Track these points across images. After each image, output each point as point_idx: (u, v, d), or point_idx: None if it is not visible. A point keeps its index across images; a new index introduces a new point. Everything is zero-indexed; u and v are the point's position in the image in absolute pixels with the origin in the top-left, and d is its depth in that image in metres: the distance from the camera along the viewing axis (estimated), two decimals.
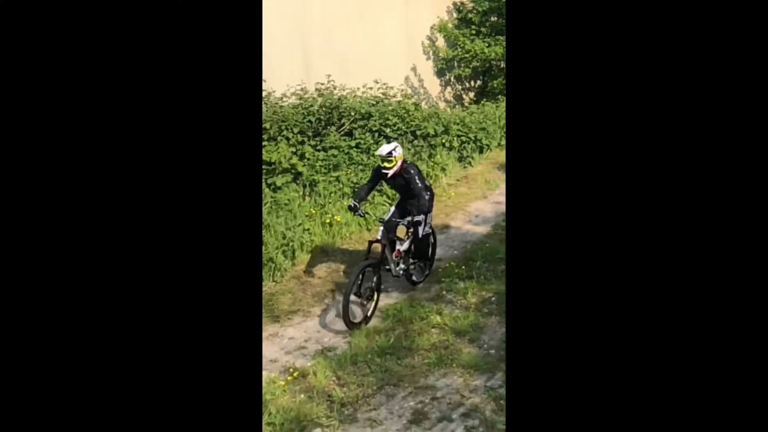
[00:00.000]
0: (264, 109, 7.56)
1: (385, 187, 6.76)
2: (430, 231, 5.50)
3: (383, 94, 8.55)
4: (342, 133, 7.80)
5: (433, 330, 4.85)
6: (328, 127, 7.76)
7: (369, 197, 6.12)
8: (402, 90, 9.08)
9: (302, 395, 4.17)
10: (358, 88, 8.41)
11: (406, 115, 8.21)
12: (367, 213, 5.70)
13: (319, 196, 6.91)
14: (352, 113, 7.93)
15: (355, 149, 7.59)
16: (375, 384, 4.25)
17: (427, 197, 5.23)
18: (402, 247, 5.32)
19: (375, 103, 8.26)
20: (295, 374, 4.36)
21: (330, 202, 6.84)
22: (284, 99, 7.93)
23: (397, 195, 5.75)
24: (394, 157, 5.08)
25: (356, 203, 5.30)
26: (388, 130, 7.90)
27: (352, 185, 7.09)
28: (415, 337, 4.76)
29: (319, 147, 7.54)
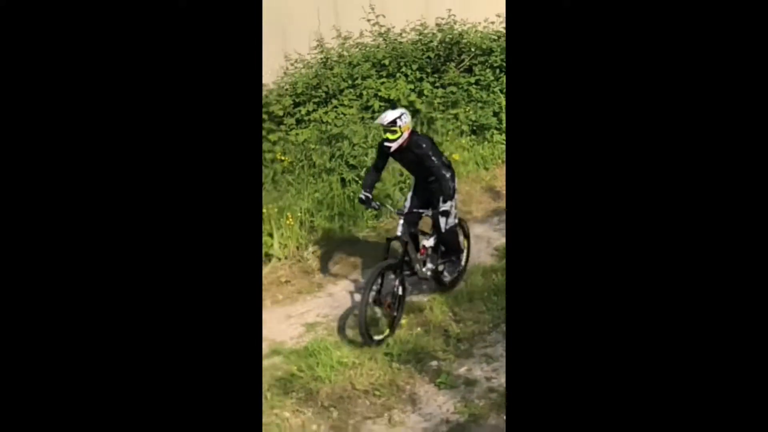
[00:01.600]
0: (383, 45, 7.54)
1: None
2: (456, 222, 4.52)
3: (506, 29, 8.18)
4: (461, 69, 7.61)
5: None
6: (447, 64, 7.59)
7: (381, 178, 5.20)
8: None
9: (419, 329, 4.27)
10: (480, 23, 8.10)
11: None
12: (382, 205, 4.78)
13: (437, 133, 6.84)
14: (473, 49, 7.67)
15: (474, 86, 7.39)
16: (491, 322, 4.26)
17: (448, 177, 4.27)
18: (428, 242, 4.49)
19: (497, 38, 7.93)
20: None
21: (447, 140, 6.77)
22: (403, 35, 7.82)
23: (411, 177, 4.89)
24: (399, 127, 4.12)
25: (367, 194, 4.38)
26: None
27: (470, 123, 6.96)
28: None
29: (437, 84, 7.40)
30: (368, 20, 7.41)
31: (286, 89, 7.14)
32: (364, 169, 6.11)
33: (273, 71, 7.13)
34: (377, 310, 4.17)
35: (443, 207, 4.25)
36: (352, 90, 7.08)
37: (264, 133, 6.35)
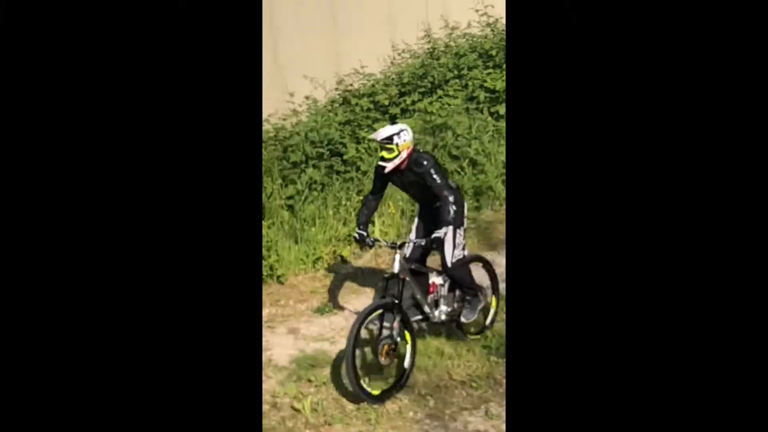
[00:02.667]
0: (491, 35, 7.53)
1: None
2: (464, 254, 3.85)
3: None
4: None
5: None
6: None
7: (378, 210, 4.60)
8: None
9: None
10: None
11: None
12: (378, 240, 4.04)
13: None
14: None
15: None
16: None
17: (451, 200, 3.55)
18: (438, 279, 3.85)
19: None
20: None
21: None
22: None
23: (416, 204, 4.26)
24: (396, 145, 3.56)
25: (361, 232, 3.83)
26: None
27: None
28: None
29: None
30: (476, 10, 7.38)
31: (393, 79, 7.24)
32: (466, 160, 6.17)
33: (380, 61, 7.30)
34: (381, 358, 3.56)
35: (436, 233, 3.56)
36: (457, 80, 7.09)
37: (369, 122, 6.49)
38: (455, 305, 3.91)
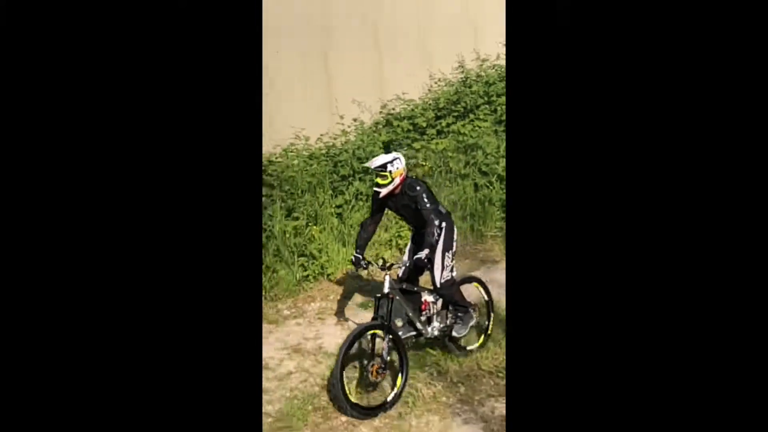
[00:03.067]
0: None
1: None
2: (452, 276, 3.92)
3: None
4: None
5: None
6: None
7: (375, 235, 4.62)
8: None
9: None
10: None
11: None
12: (371, 263, 4.07)
13: None
14: None
15: None
16: None
17: (436, 224, 3.75)
18: (429, 297, 4.02)
19: None
20: None
21: None
22: None
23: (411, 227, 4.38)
24: (390, 172, 3.76)
25: (358, 255, 3.97)
26: None
27: None
28: None
29: None
30: (503, 44, 7.94)
31: (430, 104, 7.74)
32: (495, 176, 6.63)
33: (419, 88, 7.82)
34: (371, 377, 3.68)
35: (419, 255, 3.71)
36: (487, 106, 7.56)
37: (409, 141, 7.03)
38: (447, 321, 4.07)
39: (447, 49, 8.04)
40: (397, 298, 3.79)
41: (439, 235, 3.83)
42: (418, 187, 3.82)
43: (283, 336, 4.79)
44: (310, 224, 5.85)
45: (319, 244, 5.69)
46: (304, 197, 5.95)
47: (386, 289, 3.73)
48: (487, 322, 4.28)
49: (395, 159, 3.85)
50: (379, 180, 3.82)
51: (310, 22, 7.01)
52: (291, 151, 6.38)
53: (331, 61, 7.29)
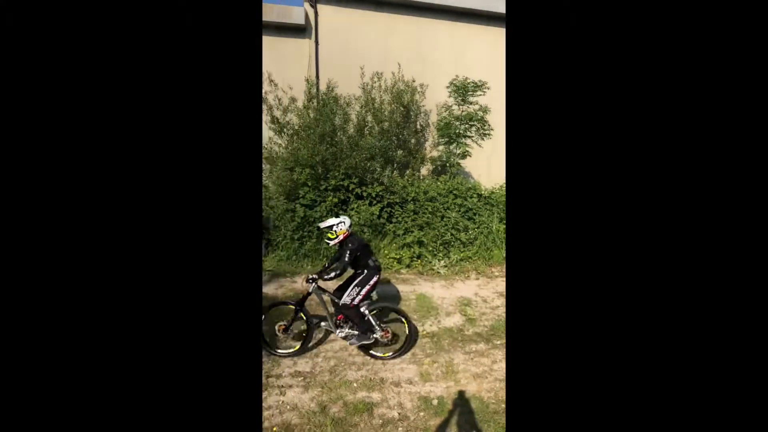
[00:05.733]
0: None
1: None
2: (350, 302, 5.25)
3: None
4: None
5: None
6: None
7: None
8: None
9: None
10: None
11: None
12: (314, 277, 5.37)
13: None
14: None
15: None
16: None
17: (334, 267, 5.08)
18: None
19: None
20: None
21: None
22: None
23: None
24: (334, 231, 5.26)
25: (313, 275, 5.28)
26: None
27: None
28: None
29: None
30: None
31: None
32: None
33: None
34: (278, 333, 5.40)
35: (312, 275, 5.24)
36: None
37: None
38: (348, 331, 5.42)
39: None
40: (322, 296, 5.39)
41: (359, 276, 5.25)
42: (350, 244, 5.17)
43: None
44: None
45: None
46: None
47: (310, 291, 5.28)
48: (403, 345, 5.51)
49: (340, 222, 5.31)
50: (329, 235, 5.31)
51: None
52: None
53: None
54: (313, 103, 9.39)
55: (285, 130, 9.31)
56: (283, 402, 4.42)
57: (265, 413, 4.28)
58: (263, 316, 5.24)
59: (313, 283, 5.23)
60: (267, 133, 9.42)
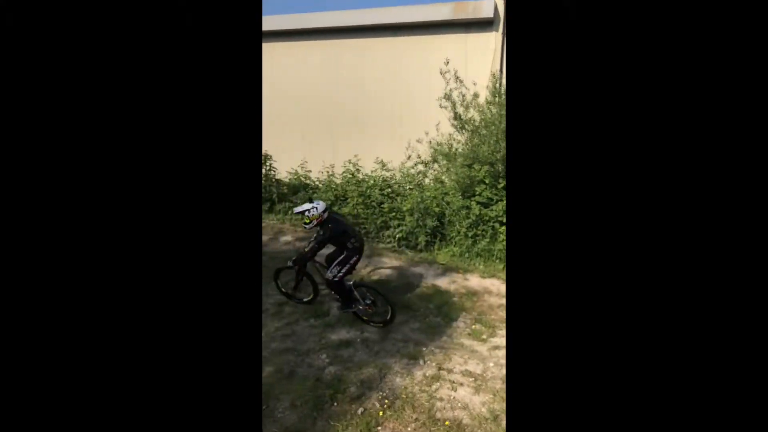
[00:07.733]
0: None
1: None
2: (332, 278, 5.74)
3: None
4: None
5: None
6: None
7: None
8: None
9: None
10: None
11: None
12: (294, 261, 5.82)
13: None
14: None
15: None
16: None
17: (310, 245, 5.44)
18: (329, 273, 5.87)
19: None
20: None
21: None
22: None
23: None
24: (307, 216, 5.58)
25: (294, 259, 5.67)
26: None
27: None
28: None
29: None
30: None
31: None
32: None
33: None
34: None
35: (290, 263, 5.80)
36: None
37: None
38: (337, 300, 6.10)
39: None
40: (315, 265, 6.12)
41: (340, 255, 5.73)
42: (325, 231, 5.54)
43: None
44: None
45: None
46: None
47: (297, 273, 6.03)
48: (388, 315, 5.94)
49: (313, 207, 5.62)
50: (305, 219, 5.64)
51: None
52: None
53: None
54: (496, 98, 9.27)
55: (466, 126, 9.32)
56: (454, 398, 4.49)
57: (437, 404, 4.42)
58: (277, 278, 6.48)
59: (295, 266, 5.74)
60: (448, 129, 9.50)
